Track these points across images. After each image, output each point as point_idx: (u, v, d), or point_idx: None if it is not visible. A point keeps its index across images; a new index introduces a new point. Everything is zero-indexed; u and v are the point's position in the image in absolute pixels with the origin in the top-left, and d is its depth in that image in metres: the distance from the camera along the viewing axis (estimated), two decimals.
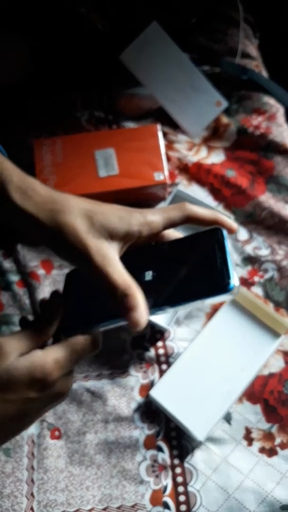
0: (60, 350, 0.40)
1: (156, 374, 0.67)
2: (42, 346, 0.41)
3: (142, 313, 0.40)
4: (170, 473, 0.62)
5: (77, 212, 0.41)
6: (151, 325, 0.69)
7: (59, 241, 0.41)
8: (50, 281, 0.72)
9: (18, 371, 0.38)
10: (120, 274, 0.40)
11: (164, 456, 0.63)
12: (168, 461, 0.62)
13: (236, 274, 0.40)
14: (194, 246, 0.43)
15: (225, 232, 0.42)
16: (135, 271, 0.42)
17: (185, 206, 0.44)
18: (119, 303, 0.40)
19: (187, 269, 0.42)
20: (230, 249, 0.40)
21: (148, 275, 0.43)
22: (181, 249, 0.44)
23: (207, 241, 0.42)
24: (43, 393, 0.39)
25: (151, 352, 0.68)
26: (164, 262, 0.44)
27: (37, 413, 0.42)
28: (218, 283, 0.39)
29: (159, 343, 0.69)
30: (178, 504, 0.60)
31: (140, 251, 0.44)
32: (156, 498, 0.61)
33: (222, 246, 0.41)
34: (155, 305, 0.41)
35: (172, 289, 0.41)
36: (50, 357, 0.39)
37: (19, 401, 0.39)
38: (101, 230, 0.41)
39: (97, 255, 0.40)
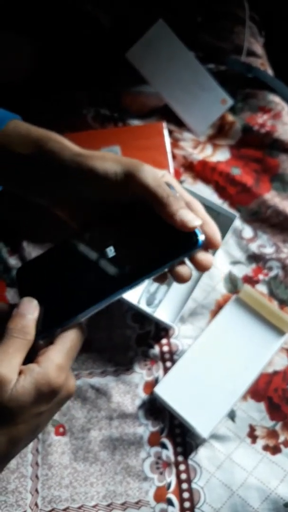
0: (57, 355, 0.39)
1: (161, 371, 0.67)
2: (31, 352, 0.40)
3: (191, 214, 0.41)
4: (174, 470, 0.62)
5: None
6: (156, 323, 0.69)
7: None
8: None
9: (26, 395, 0.37)
10: (164, 187, 0.41)
11: (168, 453, 0.63)
12: (172, 458, 0.63)
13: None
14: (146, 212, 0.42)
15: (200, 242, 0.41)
16: (96, 249, 0.43)
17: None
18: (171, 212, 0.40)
19: (151, 235, 0.42)
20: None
21: (111, 251, 0.43)
22: (132, 219, 0.43)
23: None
24: (53, 402, 0.39)
25: (156, 350, 0.69)
26: (120, 235, 0.43)
27: (48, 419, 0.41)
28: (187, 239, 0.40)
29: (164, 341, 0.69)
30: (182, 501, 0.60)
31: (99, 225, 0.44)
32: (160, 495, 0.61)
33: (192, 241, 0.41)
34: (132, 278, 0.41)
35: (140, 259, 0.41)
36: (51, 366, 0.38)
37: (31, 418, 0.38)
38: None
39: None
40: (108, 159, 0.42)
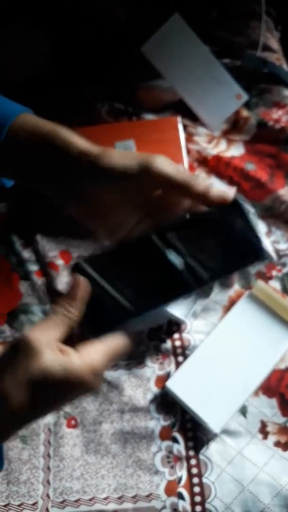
0: (96, 357, 0.39)
1: (172, 366, 0.68)
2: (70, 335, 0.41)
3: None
4: (185, 464, 0.62)
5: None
6: (168, 317, 0.69)
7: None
8: (68, 271, 0.73)
9: (54, 376, 0.37)
10: (185, 173, 0.41)
11: (179, 448, 0.63)
12: (183, 452, 0.63)
13: (265, 240, 0.41)
14: (216, 221, 0.42)
15: (241, 201, 0.41)
16: (159, 253, 0.41)
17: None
18: (200, 189, 0.40)
19: (218, 245, 0.41)
20: (252, 217, 0.41)
21: (174, 257, 0.42)
22: (205, 226, 0.42)
23: (228, 213, 0.41)
24: (74, 393, 0.40)
25: (168, 344, 0.69)
26: (185, 242, 0.42)
27: (61, 405, 0.42)
28: (252, 252, 0.40)
29: (176, 335, 0.69)
30: (192, 495, 0.61)
31: (163, 232, 0.43)
32: (171, 489, 0.61)
33: (244, 214, 0.40)
34: (196, 284, 0.41)
35: (203, 268, 0.41)
36: (86, 364, 0.38)
37: (46, 397, 0.39)
38: None
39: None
40: (122, 156, 0.42)
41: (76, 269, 0.43)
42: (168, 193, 0.42)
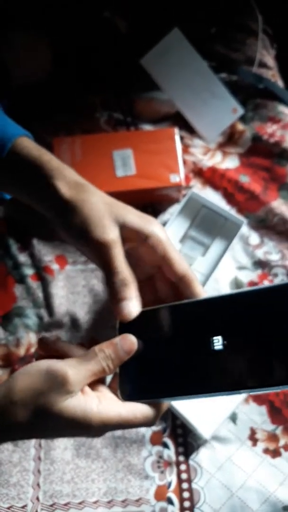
0: (113, 415, 0.38)
1: None
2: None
3: (135, 307, 0.41)
4: (175, 470, 0.63)
5: (100, 198, 0.43)
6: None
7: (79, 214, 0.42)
8: (63, 276, 0.74)
9: (70, 417, 0.37)
10: (123, 263, 0.41)
11: (170, 453, 0.64)
12: (174, 457, 0.63)
13: None
14: (267, 309, 0.35)
15: None
16: (205, 332, 0.37)
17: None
18: (116, 289, 0.40)
19: (261, 343, 0.34)
20: None
21: (218, 342, 0.36)
22: (252, 311, 0.36)
23: (282, 301, 0.35)
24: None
25: None
26: (234, 326, 0.36)
27: (56, 437, 0.44)
28: None
29: None
30: (182, 500, 0.61)
31: (199, 306, 0.39)
32: (161, 494, 0.61)
33: None
34: (222, 387, 0.35)
35: (245, 368, 0.35)
36: (102, 418, 0.37)
37: (52, 431, 0.40)
38: (116, 219, 0.42)
39: (111, 237, 0.41)
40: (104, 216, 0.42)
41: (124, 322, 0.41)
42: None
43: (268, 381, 0.34)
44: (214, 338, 0.36)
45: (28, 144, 0.46)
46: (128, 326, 0.41)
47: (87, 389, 0.39)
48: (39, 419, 0.37)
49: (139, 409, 0.39)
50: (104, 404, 0.38)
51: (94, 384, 0.40)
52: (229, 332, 0.36)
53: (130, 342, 0.40)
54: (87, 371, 0.38)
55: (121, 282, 0.41)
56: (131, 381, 0.40)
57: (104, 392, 0.40)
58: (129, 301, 0.41)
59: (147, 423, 0.39)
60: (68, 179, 0.43)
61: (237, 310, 0.37)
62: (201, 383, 0.37)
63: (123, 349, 0.40)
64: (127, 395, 0.40)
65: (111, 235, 0.41)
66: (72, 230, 0.42)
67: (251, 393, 0.35)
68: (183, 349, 0.38)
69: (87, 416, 0.37)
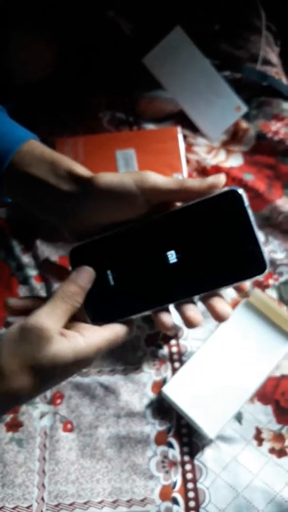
0: (101, 341, 0.41)
1: (169, 372, 0.68)
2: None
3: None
4: (180, 470, 0.63)
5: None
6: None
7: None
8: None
9: (64, 360, 0.39)
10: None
11: (175, 453, 0.63)
12: (178, 457, 0.63)
13: (264, 248, 0.39)
14: (213, 216, 0.40)
15: (244, 196, 0.39)
16: (157, 249, 0.41)
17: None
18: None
19: (212, 248, 0.39)
20: (252, 218, 0.39)
21: (172, 257, 0.41)
22: (200, 222, 0.41)
23: (225, 208, 0.40)
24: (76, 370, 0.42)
25: (165, 350, 0.69)
26: (185, 239, 0.41)
27: (62, 381, 0.44)
28: (252, 263, 0.38)
29: (173, 341, 0.70)
30: (187, 500, 0.61)
31: (153, 223, 0.42)
32: (166, 494, 0.61)
33: (244, 214, 0.39)
34: (183, 293, 0.40)
35: (201, 273, 0.40)
36: (93, 348, 0.41)
37: (53, 377, 0.41)
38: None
39: None
40: (116, 176, 0.43)
41: (73, 254, 0.44)
42: (167, 200, 0.43)
43: (222, 280, 0.39)
44: (168, 253, 0.41)
45: (38, 145, 0.46)
46: (81, 257, 0.44)
47: (66, 331, 0.41)
48: (38, 379, 0.39)
49: (117, 328, 0.43)
50: (87, 335, 0.41)
51: (70, 323, 0.42)
52: (181, 245, 0.41)
53: (86, 272, 0.43)
54: (58, 314, 0.40)
55: (192, 181, 0.41)
56: (97, 306, 0.43)
57: (82, 326, 0.43)
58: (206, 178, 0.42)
59: (127, 337, 0.43)
60: (83, 168, 0.45)
61: (185, 223, 0.41)
62: (164, 294, 0.41)
63: (83, 281, 0.42)
64: (97, 320, 0.43)
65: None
66: (103, 193, 0.42)
67: (208, 294, 0.40)
68: (141, 267, 0.42)
69: (80, 353, 0.40)
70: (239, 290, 0.42)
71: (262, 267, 0.39)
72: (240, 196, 0.39)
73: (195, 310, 0.42)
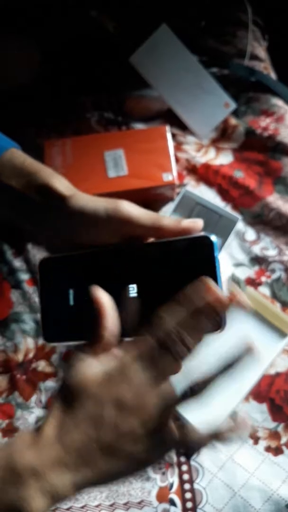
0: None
1: None
2: None
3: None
4: (176, 471, 0.63)
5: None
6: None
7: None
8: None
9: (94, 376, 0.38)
10: None
11: (171, 454, 0.63)
12: (175, 458, 0.63)
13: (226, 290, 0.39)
14: (181, 259, 0.40)
15: (215, 244, 0.39)
16: (120, 280, 0.40)
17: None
18: None
19: (173, 290, 0.38)
20: (219, 268, 0.38)
21: (133, 290, 0.40)
22: (166, 262, 0.40)
23: (195, 253, 0.39)
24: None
25: None
26: (149, 276, 0.40)
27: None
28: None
29: None
30: (184, 501, 0.61)
31: (122, 252, 0.41)
32: (163, 495, 0.61)
33: (212, 263, 0.38)
34: (138, 327, 0.39)
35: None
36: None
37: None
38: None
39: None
40: (91, 200, 0.42)
41: (42, 265, 0.43)
42: (138, 234, 0.42)
43: None
44: (130, 286, 0.40)
45: (20, 155, 0.46)
46: (49, 270, 0.43)
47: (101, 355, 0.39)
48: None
49: None
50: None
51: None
52: (144, 281, 0.40)
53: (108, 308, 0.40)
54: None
55: (167, 220, 0.40)
56: (53, 324, 0.42)
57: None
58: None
59: None
60: (64, 181, 0.44)
61: (152, 259, 0.40)
62: (121, 326, 0.40)
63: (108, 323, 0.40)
64: (50, 339, 0.42)
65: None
66: (76, 216, 0.42)
67: None
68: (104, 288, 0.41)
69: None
70: None
71: (219, 325, 0.40)
72: (211, 243, 0.38)
73: None
